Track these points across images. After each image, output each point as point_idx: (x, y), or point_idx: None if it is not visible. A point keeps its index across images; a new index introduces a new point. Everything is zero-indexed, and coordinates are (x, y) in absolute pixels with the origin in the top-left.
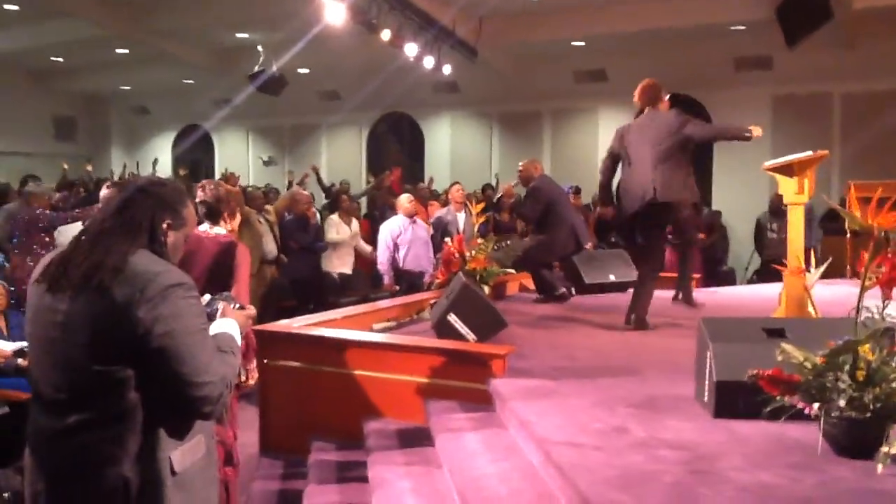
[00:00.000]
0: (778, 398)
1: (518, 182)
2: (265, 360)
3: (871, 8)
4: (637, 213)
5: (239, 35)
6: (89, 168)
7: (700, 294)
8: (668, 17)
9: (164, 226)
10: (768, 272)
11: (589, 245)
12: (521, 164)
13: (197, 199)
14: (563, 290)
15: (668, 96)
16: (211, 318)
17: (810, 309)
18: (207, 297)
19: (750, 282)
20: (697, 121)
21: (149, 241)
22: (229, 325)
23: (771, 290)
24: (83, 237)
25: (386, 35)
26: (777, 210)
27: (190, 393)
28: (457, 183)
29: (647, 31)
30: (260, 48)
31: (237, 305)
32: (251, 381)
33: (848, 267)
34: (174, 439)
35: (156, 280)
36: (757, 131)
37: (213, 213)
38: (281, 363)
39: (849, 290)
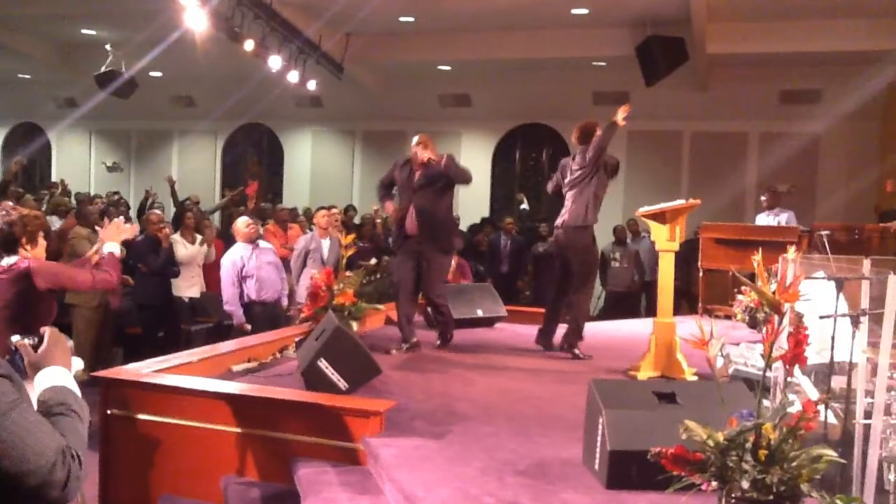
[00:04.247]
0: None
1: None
2: (108, 411)
3: (723, 53)
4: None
5: (85, 31)
6: None
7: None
8: (532, 49)
9: None
10: (612, 303)
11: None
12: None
13: None
14: (416, 339)
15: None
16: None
17: (679, 356)
18: (16, 337)
19: (595, 312)
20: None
21: None
22: (55, 375)
23: (627, 326)
24: None
25: (249, 45)
26: (620, 240)
27: (28, 485)
28: (323, 207)
29: (512, 60)
30: (109, 47)
31: (43, 343)
32: None
33: (700, 304)
34: None
35: None
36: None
37: (7, 243)
38: (127, 414)
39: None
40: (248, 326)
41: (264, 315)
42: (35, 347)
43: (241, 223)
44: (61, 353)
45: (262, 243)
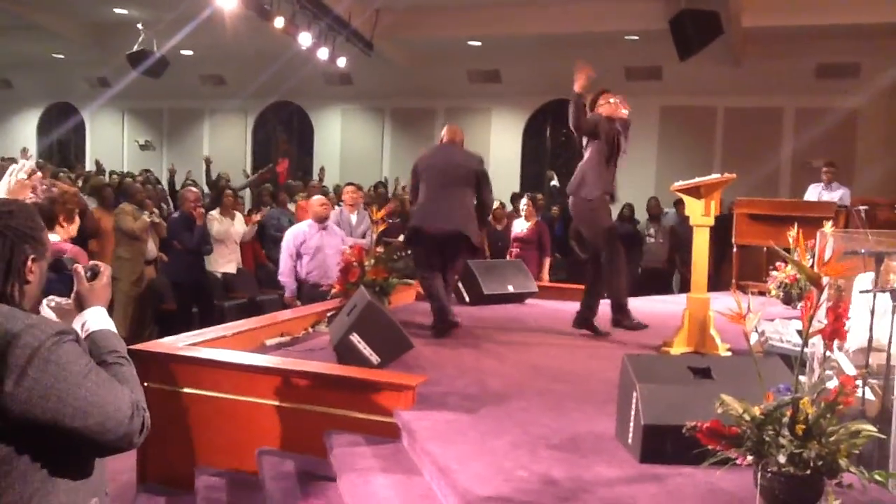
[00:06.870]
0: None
1: None
2: (145, 384)
3: (758, 27)
4: None
5: (117, 11)
6: None
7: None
8: (563, 23)
9: (29, 262)
10: (649, 279)
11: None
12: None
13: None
14: (456, 319)
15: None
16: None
17: (712, 331)
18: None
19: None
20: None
21: (1, 285)
22: (100, 317)
23: (661, 302)
24: None
25: (279, 23)
26: (655, 215)
27: (111, 438)
28: (350, 184)
29: (542, 35)
30: (140, 26)
31: (88, 272)
32: None
33: (734, 281)
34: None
35: (18, 343)
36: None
37: (47, 220)
38: (164, 387)
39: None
40: (298, 303)
41: (310, 295)
42: (87, 277)
43: (316, 201)
44: (107, 293)
45: (335, 228)
